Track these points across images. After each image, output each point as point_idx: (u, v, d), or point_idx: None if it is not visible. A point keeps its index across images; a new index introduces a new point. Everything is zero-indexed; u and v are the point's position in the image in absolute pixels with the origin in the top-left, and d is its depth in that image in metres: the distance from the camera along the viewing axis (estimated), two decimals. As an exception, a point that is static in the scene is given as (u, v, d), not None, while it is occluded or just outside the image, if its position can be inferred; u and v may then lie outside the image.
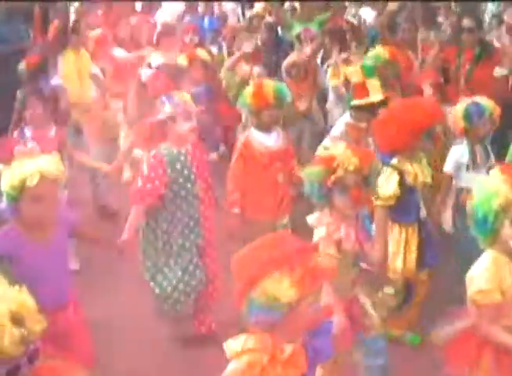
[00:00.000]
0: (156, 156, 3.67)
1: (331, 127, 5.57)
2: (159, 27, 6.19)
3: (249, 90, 4.20)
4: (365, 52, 6.32)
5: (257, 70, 6.09)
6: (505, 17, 6.41)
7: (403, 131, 3.55)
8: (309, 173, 2.96)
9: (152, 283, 3.82)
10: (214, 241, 3.99)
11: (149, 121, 3.78)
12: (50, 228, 2.98)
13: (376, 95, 4.46)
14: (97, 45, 6.33)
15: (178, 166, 3.70)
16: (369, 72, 4.50)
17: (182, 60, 5.26)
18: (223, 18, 9.06)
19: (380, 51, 5.19)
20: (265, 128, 4.15)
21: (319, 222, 2.93)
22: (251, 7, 8.88)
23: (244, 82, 6.08)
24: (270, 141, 4.17)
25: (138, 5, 9.02)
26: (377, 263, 3.09)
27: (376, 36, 6.94)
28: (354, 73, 4.56)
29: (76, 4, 7.61)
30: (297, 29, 7.63)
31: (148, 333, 4.11)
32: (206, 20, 8.87)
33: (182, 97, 3.73)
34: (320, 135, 6.10)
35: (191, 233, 3.82)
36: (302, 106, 5.92)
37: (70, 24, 5.93)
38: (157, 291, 3.81)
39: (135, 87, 5.94)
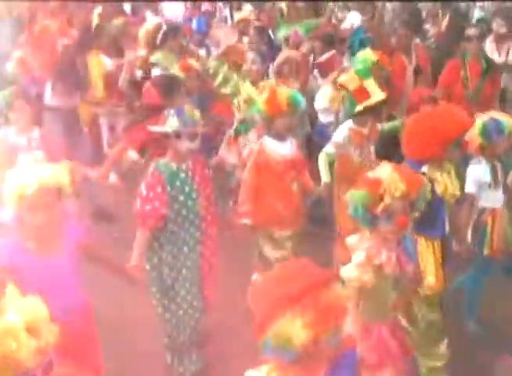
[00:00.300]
0: (154, 173, 3.49)
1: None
2: (164, 28, 6.17)
3: (262, 97, 4.13)
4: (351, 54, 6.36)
5: (250, 55, 6.08)
6: (493, 25, 6.38)
7: (432, 141, 3.43)
8: (354, 196, 2.84)
9: (160, 309, 3.70)
10: (214, 259, 3.86)
11: (149, 128, 3.66)
12: (55, 239, 2.91)
13: (377, 94, 4.37)
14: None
15: (178, 183, 3.52)
16: (364, 74, 4.43)
17: (177, 72, 5.22)
18: (211, 17, 9.09)
19: (369, 54, 5.16)
20: (279, 136, 4.08)
21: (359, 246, 2.84)
22: (239, 9, 8.89)
23: (235, 66, 6.07)
24: (285, 149, 4.09)
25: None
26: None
27: (364, 39, 6.92)
28: (349, 80, 4.46)
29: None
30: (284, 31, 7.67)
31: (147, 333, 4.05)
32: (194, 22, 8.84)
33: (192, 113, 3.54)
34: (306, 139, 6.15)
35: (192, 253, 3.67)
36: None
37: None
38: (167, 315, 3.69)
39: (128, 87, 5.97)
